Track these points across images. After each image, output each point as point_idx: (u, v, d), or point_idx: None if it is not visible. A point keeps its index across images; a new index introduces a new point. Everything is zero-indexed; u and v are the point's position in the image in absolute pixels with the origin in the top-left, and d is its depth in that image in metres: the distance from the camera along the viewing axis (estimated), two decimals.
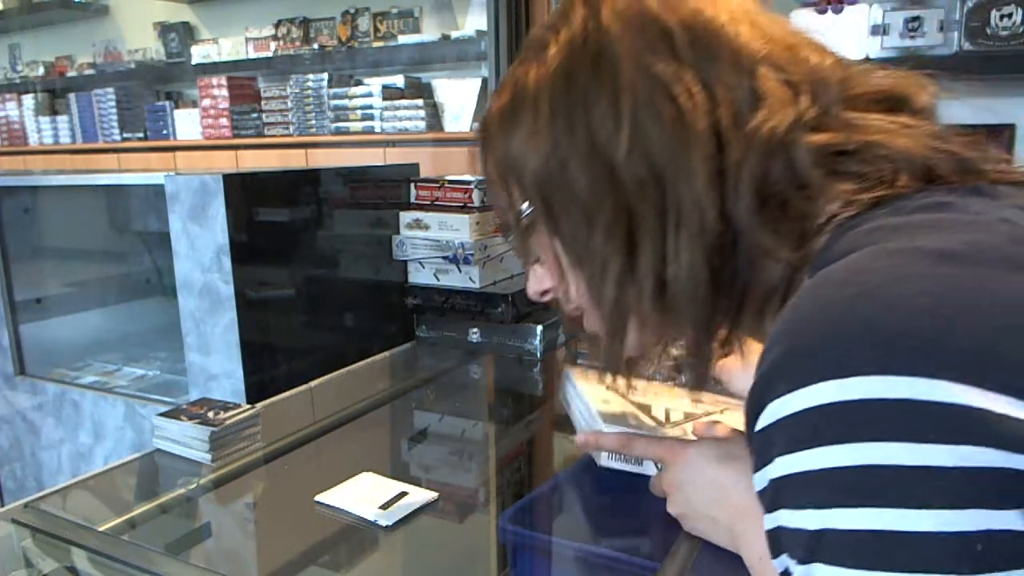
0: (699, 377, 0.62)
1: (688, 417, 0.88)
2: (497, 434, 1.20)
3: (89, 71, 3.78)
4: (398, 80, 2.85)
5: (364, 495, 0.86)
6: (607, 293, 0.55)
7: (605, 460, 0.82)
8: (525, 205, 0.58)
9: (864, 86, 0.53)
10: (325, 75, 2.95)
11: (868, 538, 0.37)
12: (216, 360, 1.24)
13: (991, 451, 0.35)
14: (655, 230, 0.52)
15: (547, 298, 0.65)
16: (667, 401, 0.92)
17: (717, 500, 0.65)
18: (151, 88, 3.65)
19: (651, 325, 0.57)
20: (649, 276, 0.53)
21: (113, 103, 3.58)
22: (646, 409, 0.89)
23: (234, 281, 1.19)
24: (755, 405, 0.43)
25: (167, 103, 3.47)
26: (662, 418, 0.87)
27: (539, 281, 0.64)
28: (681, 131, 0.51)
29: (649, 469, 0.80)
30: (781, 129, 0.50)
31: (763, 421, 0.42)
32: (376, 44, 2.99)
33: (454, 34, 2.76)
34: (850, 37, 1.93)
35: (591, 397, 0.89)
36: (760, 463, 0.43)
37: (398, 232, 1.51)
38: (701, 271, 0.52)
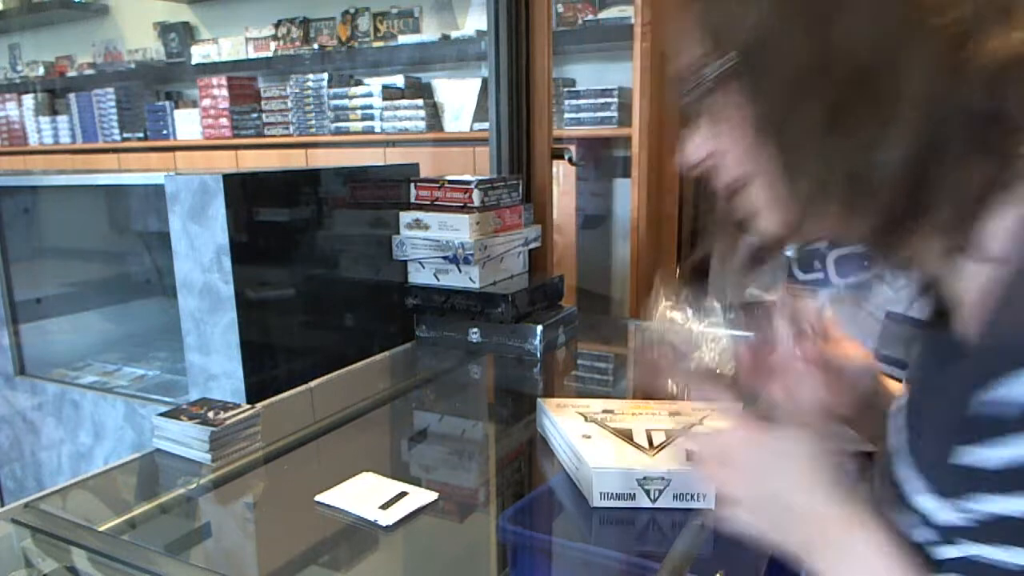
0: (892, 267, 0.58)
1: (670, 435, 0.87)
2: (497, 434, 1.20)
3: (89, 71, 3.78)
4: (398, 80, 2.85)
5: (364, 495, 0.86)
6: (795, 171, 0.53)
7: (598, 500, 0.80)
8: (721, 60, 0.54)
9: None
10: (325, 75, 2.95)
11: None
12: (216, 360, 1.24)
13: None
14: (863, 118, 0.50)
15: (698, 170, 0.61)
16: (645, 422, 0.91)
17: (799, 502, 0.57)
18: (151, 88, 3.65)
19: (826, 214, 0.54)
20: (845, 163, 0.51)
21: (113, 103, 3.59)
22: (626, 435, 0.88)
23: (234, 281, 1.19)
24: (990, 370, 0.42)
25: (167, 103, 3.48)
26: (646, 444, 0.86)
27: (696, 149, 0.60)
28: (915, 25, 0.48)
29: (642, 502, 0.79)
30: (1018, 53, 0.47)
31: (1000, 394, 0.41)
32: (376, 44, 2.99)
33: (454, 34, 2.76)
34: None
35: (570, 434, 0.88)
36: (982, 438, 0.42)
37: (398, 232, 1.51)
38: (900, 171, 0.49)
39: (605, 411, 0.95)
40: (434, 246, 1.47)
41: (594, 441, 0.86)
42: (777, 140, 0.53)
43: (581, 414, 0.94)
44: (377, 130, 2.85)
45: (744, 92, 0.54)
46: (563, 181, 2.32)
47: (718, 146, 0.59)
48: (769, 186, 0.56)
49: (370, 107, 2.86)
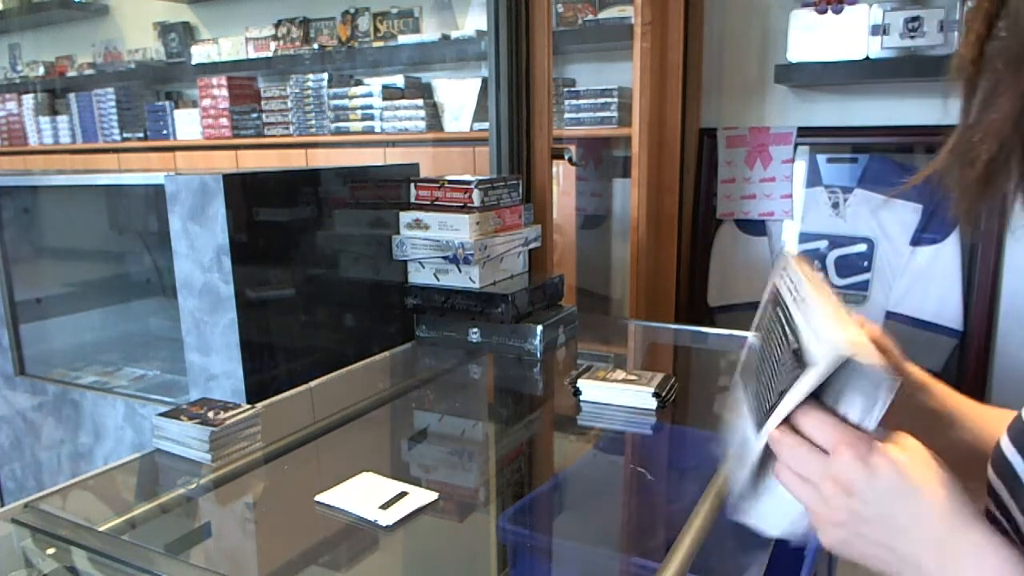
0: None
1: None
2: (497, 434, 1.20)
3: (89, 71, 3.78)
4: (398, 80, 2.85)
5: (364, 495, 0.86)
6: None
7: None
8: None
9: None
10: (325, 75, 2.95)
11: None
12: (216, 360, 1.24)
13: None
14: None
15: None
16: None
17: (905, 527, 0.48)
18: (151, 88, 3.65)
19: None
20: None
21: (113, 103, 3.59)
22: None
23: (234, 281, 1.19)
24: None
25: (167, 103, 3.48)
26: None
27: None
28: None
29: None
30: None
31: None
32: (376, 44, 2.99)
33: (454, 34, 2.76)
34: (850, 37, 1.93)
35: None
36: None
37: (398, 232, 1.51)
38: None
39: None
40: (434, 246, 1.47)
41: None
42: None
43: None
44: (377, 130, 2.85)
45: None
46: (563, 181, 2.32)
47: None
48: None
49: (370, 107, 2.86)
